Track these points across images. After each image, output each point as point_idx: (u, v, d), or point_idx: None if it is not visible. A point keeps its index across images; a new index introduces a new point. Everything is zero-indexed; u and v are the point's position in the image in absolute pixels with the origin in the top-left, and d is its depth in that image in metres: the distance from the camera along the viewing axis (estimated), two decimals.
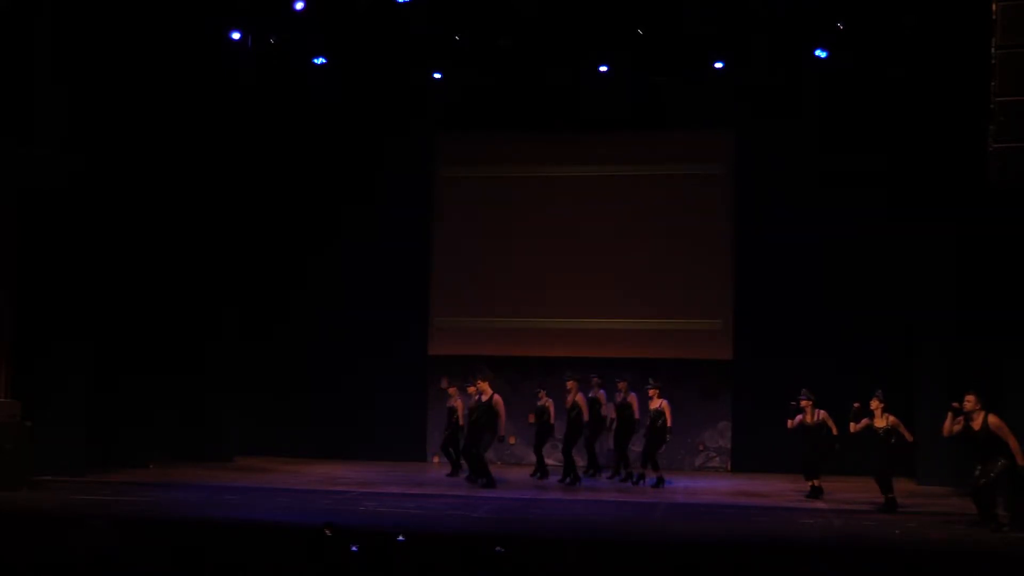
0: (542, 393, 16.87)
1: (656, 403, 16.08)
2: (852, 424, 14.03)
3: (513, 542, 9.74)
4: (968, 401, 12.52)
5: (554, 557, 9.90)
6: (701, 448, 18.74)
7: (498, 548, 8.90)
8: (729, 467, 18.55)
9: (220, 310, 18.45)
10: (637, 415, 16.64)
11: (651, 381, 16.36)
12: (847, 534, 12.36)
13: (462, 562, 8.82)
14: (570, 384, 16.59)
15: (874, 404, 13.95)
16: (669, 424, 15.99)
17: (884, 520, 13.29)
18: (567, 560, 9.83)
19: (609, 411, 16.97)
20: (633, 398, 16.68)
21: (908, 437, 14.08)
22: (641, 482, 16.44)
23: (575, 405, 16.52)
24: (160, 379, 17.53)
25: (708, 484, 16.82)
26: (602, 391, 17.00)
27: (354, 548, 8.97)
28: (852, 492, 14.27)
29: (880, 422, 13.94)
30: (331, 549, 9.17)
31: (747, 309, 18.38)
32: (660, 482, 16.12)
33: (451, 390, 17.23)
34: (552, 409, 16.74)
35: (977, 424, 12.43)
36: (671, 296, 18.68)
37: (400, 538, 9.89)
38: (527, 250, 19.06)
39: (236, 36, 16.82)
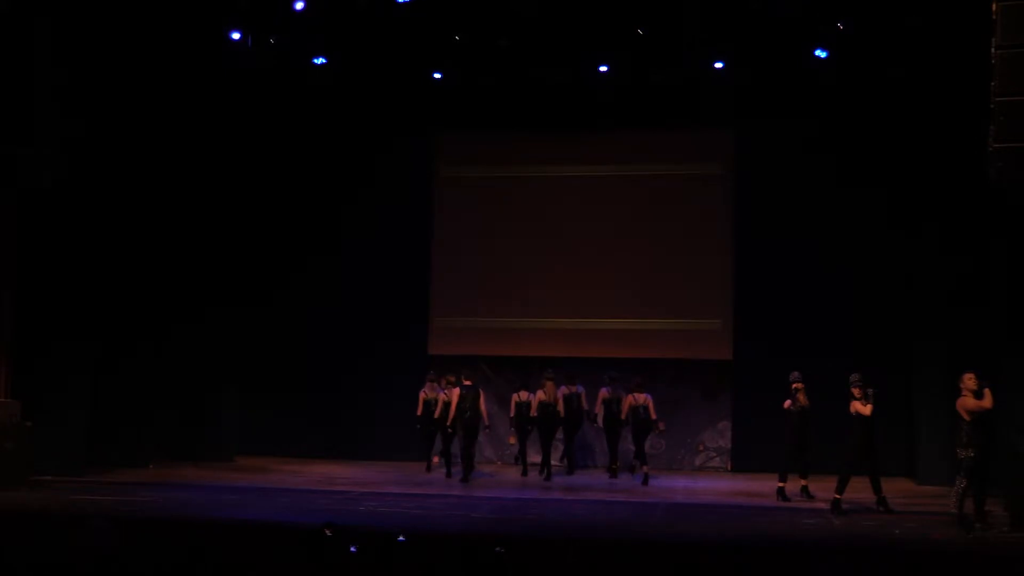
0: (523, 392, 17.38)
1: (638, 399, 16.71)
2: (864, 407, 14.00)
3: (513, 542, 9.75)
4: (971, 379, 12.54)
5: (554, 557, 9.90)
6: (701, 448, 18.74)
7: (498, 548, 8.89)
8: (729, 467, 18.55)
9: (220, 310, 18.44)
10: (592, 406, 17.35)
11: (635, 379, 17.00)
12: (847, 534, 12.37)
13: (462, 562, 8.82)
14: (547, 383, 17.02)
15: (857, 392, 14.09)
16: (623, 416, 16.92)
17: (884, 520, 13.31)
18: (567, 560, 9.83)
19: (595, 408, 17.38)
20: (605, 393, 17.18)
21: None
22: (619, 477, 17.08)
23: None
24: (160, 379, 17.54)
25: (708, 484, 16.83)
26: (579, 387, 17.37)
27: (353, 548, 8.97)
28: (851, 492, 14.25)
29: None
30: (331, 549, 9.16)
31: (747, 309, 18.37)
32: (645, 479, 16.54)
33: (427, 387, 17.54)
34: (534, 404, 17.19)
35: (989, 402, 12.47)
36: (671, 296, 18.67)
37: (400, 538, 9.89)
38: (527, 250, 19.05)
39: (236, 36, 16.80)
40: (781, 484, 14.86)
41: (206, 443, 18.22)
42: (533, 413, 17.13)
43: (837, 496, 13.90)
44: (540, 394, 17.09)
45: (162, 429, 17.79)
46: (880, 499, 13.90)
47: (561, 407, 17.09)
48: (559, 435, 17.58)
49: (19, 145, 14.42)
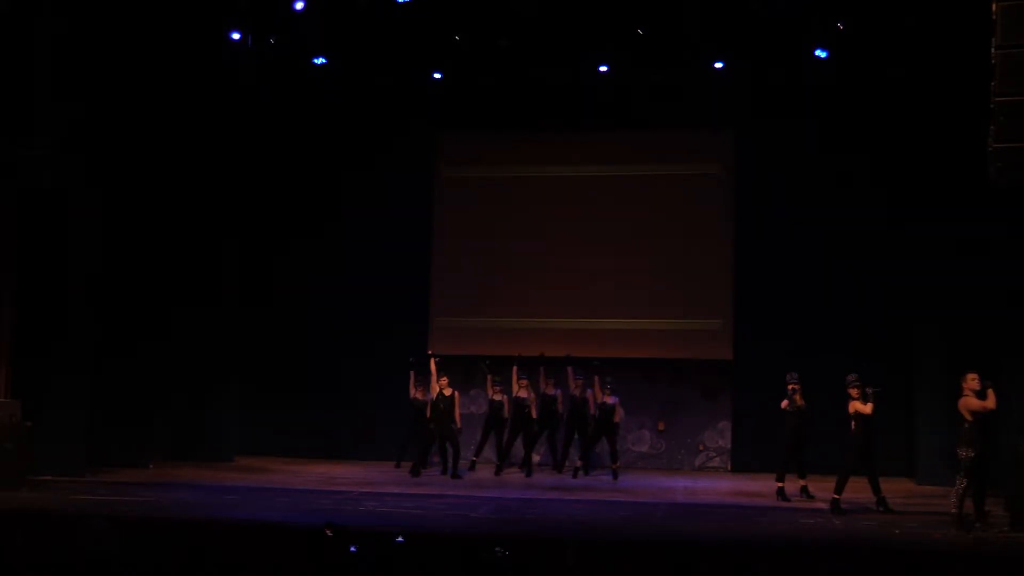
0: (498, 388, 17.51)
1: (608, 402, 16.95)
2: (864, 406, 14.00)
3: (513, 542, 9.75)
4: (974, 380, 12.53)
5: (554, 557, 9.89)
6: (701, 448, 18.74)
7: (498, 548, 8.89)
8: (729, 467, 18.55)
9: (221, 310, 18.45)
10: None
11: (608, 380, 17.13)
12: (847, 534, 12.36)
13: (462, 562, 8.82)
14: (523, 382, 17.20)
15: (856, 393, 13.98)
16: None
17: (884, 520, 13.30)
18: (567, 560, 9.82)
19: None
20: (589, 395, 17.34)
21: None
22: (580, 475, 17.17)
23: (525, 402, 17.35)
24: (160, 379, 17.54)
25: (708, 484, 16.83)
26: (558, 390, 17.53)
27: (353, 548, 8.97)
28: (851, 492, 14.26)
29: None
30: (331, 549, 9.16)
31: (747, 309, 18.38)
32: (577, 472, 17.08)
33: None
34: (507, 404, 17.43)
35: (992, 403, 12.46)
36: (671, 296, 18.67)
37: (399, 539, 9.88)
38: (527, 250, 19.06)
39: (236, 36, 16.80)
40: (780, 484, 14.87)
41: (206, 443, 18.22)
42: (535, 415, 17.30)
43: (836, 496, 13.89)
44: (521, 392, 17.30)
45: (162, 429, 17.80)
46: (880, 499, 13.91)
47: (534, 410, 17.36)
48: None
49: (19, 145, 14.41)
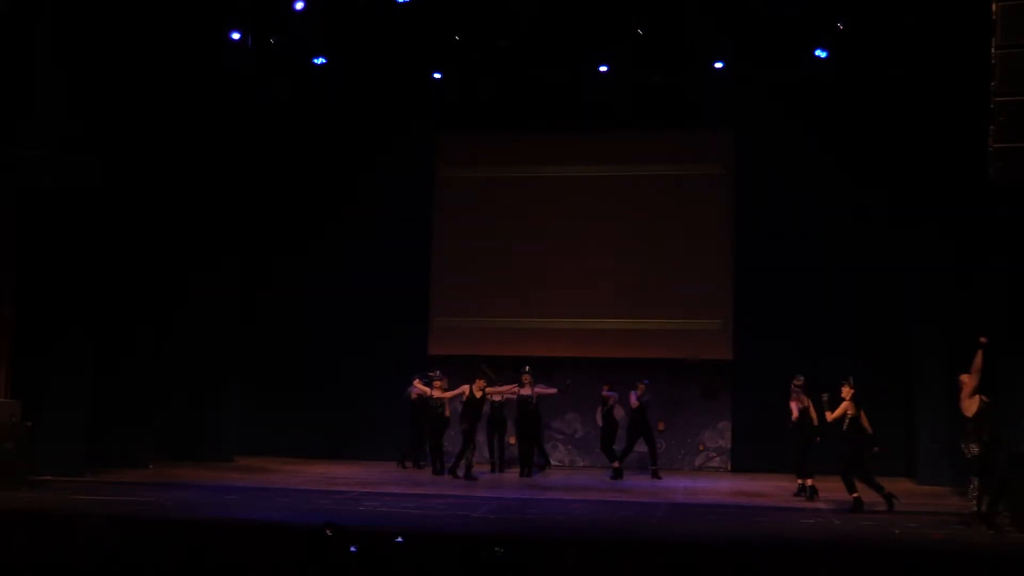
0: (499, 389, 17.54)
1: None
2: (828, 413, 14.01)
3: (513, 542, 9.74)
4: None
5: (554, 557, 9.89)
6: (701, 448, 18.76)
7: (497, 549, 8.89)
8: (729, 467, 18.56)
9: (221, 310, 18.44)
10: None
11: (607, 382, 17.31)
12: (847, 534, 12.36)
13: (462, 562, 8.82)
14: (525, 379, 17.14)
15: (845, 391, 13.93)
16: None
17: (884, 520, 13.29)
18: (567, 560, 9.82)
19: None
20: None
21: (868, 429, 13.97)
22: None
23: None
24: (160, 379, 17.55)
25: (708, 484, 16.84)
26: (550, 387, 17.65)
27: (353, 548, 8.97)
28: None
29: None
30: (331, 549, 9.16)
31: (747, 309, 18.39)
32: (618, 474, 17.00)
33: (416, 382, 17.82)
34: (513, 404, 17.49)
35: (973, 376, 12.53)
36: (671, 296, 18.68)
37: (398, 539, 9.88)
38: (527, 250, 19.07)
39: (236, 36, 16.80)
40: (811, 482, 14.83)
41: (206, 443, 18.23)
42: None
43: (884, 495, 13.84)
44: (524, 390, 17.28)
45: (162, 429, 17.79)
46: (856, 499, 13.84)
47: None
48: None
49: (19, 145, 14.41)
